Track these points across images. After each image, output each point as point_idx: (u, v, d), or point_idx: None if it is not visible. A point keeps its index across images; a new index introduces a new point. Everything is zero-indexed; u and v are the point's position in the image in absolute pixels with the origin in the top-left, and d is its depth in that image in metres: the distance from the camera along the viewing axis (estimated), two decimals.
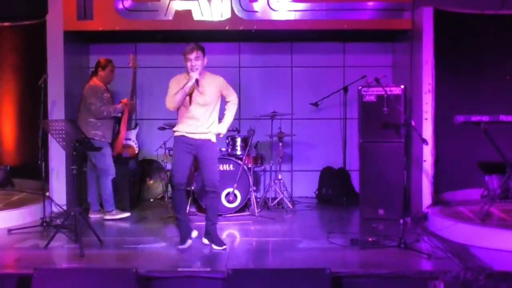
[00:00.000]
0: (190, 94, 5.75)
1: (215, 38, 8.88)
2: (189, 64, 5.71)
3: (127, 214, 7.46)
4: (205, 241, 6.04)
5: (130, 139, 7.85)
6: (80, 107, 7.44)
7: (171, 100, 5.76)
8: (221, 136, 6.10)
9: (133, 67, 7.60)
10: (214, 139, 5.97)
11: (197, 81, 5.68)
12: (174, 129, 5.98)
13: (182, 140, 5.87)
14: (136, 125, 8.04)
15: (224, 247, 5.85)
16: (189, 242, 5.95)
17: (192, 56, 5.69)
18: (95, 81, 7.43)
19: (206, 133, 5.87)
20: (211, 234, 5.98)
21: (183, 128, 5.87)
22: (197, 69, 5.69)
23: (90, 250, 5.72)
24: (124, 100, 7.52)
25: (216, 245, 5.89)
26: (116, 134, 7.58)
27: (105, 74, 7.47)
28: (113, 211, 7.41)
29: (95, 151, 7.02)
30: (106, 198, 7.39)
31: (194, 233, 6.17)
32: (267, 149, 8.57)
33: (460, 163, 7.65)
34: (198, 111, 5.81)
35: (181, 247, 5.86)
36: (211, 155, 5.92)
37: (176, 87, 5.77)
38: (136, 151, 8.11)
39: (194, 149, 5.87)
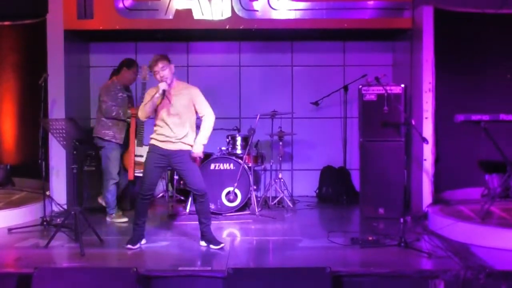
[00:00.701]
0: (164, 106, 5.78)
1: (215, 37, 8.89)
2: (158, 76, 5.69)
3: (125, 219, 7.32)
4: (203, 243, 5.99)
5: (142, 156, 7.35)
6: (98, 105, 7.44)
7: (142, 110, 5.80)
8: (196, 155, 5.91)
9: (142, 78, 7.38)
10: (187, 148, 5.86)
11: (164, 92, 5.66)
12: (150, 135, 5.95)
13: (154, 150, 5.84)
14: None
15: (222, 245, 5.84)
16: (138, 245, 5.91)
17: (158, 67, 5.68)
18: (113, 79, 7.40)
19: (176, 143, 5.79)
20: (207, 235, 5.96)
21: (156, 137, 5.85)
22: (167, 78, 5.68)
23: (90, 249, 5.72)
24: (133, 110, 7.30)
25: (214, 244, 5.87)
26: (125, 149, 7.38)
27: (128, 74, 7.38)
28: (113, 214, 7.35)
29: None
30: (106, 201, 7.36)
31: (143, 241, 6.03)
32: (268, 148, 8.57)
33: (461, 162, 7.66)
34: (169, 121, 5.76)
35: (130, 247, 5.86)
36: (185, 162, 5.83)
37: (148, 98, 5.79)
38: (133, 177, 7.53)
39: (165, 159, 5.83)
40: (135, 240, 5.91)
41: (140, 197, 5.90)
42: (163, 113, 5.77)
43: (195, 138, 5.89)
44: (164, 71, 5.67)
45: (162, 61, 5.69)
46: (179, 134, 5.78)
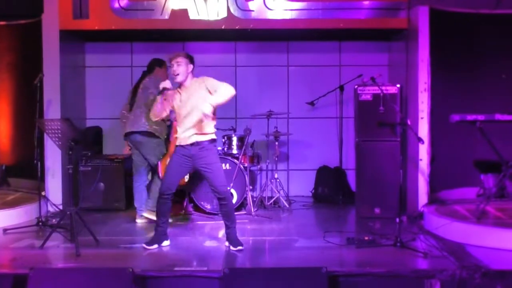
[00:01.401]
0: (179, 104, 5.78)
1: (211, 37, 8.89)
2: (171, 69, 5.75)
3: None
4: (227, 243, 5.97)
5: None
6: (134, 102, 7.15)
7: (151, 112, 5.94)
8: (205, 113, 5.56)
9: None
10: (207, 138, 5.80)
11: (163, 89, 5.69)
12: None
13: (178, 150, 5.85)
14: None
15: (239, 248, 5.79)
16: (155, 246, 5.88)
17: (174, 62, 5.71)
18: (150, 77, 7.18)
19: (196, 138, 5.75)
20: (230, 236, 5.94)
21: (178, 137, 5.86)
22: (178, 74, 5.69)
23: (86, 249, 5.70)
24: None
25: (232, 245, 5.85)
26: (163, 155, 7.14)
27: (161, 72, 7.24)
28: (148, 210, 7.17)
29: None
30: (153, 197, 7.05)
31: (166, 243, 6.00)
32: (264, 148, 8.57)
33: (456, 162, 7.67)
34: (184, 121, 5.76)
35: (146, 246, 5.84)
36: (207, 162, 5.77)
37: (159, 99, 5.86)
38: (186, 180, 7.24)
39: (190, 161, 5.80)
40: (151, 241, 5.91)
41: (159, 196, 5.89)
42: (180, 114, 5.79)
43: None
44: (179, 66, 5.70)
45: (180, 57, 5.72)
46: (196, 133, 5.74)
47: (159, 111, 5.85)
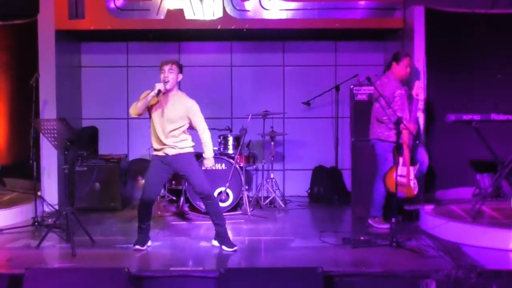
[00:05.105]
0: (158, 110, 5.73)
1: (207, 37, 8.88)
2: (162, 76, 5.68)
3: (385, 226, 6.66)
4: (215, 243, 5.97)
5: (403, 176, 6.46)
6: None
7: (133, 107, 5.70)
8: (208, 162, 6.00)
9: (415, 95, 6.67)
10: (185, 151, 5.82)
11: (159, 91, 5.59)
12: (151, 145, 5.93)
13: (156, 158, 5.83)
14: (416, 161, 6.65)
15: (235, 248, 5.79)
16: (145, 246, 5.88)
17: (166, 67, 5.67)
18: (388, 75, 6.85)
19: (174, 148, 5.75)
20: (221, 236, 5.92)
21: (154, 146, 5.83)
22: (168, 81, 5.65)
23: (82, 249, 5.70)
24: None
25: (227, 247, 5.82)
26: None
27: (399, 69, 6.79)
28: (377, 218, 6.89)
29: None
30: (372, 202, 6.93)
31: (149, 243, 6.00)
32: (259, 148, 8.57)
33: (452, 162, 7.68)
34: (163, 128, 5.71)
35: (140, 247, 5.83)
36: (187, 166, 5.81)
37: (143, 96, 5.71)
38: (415, 192, 6.55)
39: (169, 166, 5.80)
40: (143, 241, 5.90)
41: (141, 203, 5.89)
42: (157, 121, 5.74)
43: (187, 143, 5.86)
44: (170, 73, 5.66)
45: (174, 65, 5.70)
46: (174, 140, 5.74)
47: (142, 109, 5.68)
